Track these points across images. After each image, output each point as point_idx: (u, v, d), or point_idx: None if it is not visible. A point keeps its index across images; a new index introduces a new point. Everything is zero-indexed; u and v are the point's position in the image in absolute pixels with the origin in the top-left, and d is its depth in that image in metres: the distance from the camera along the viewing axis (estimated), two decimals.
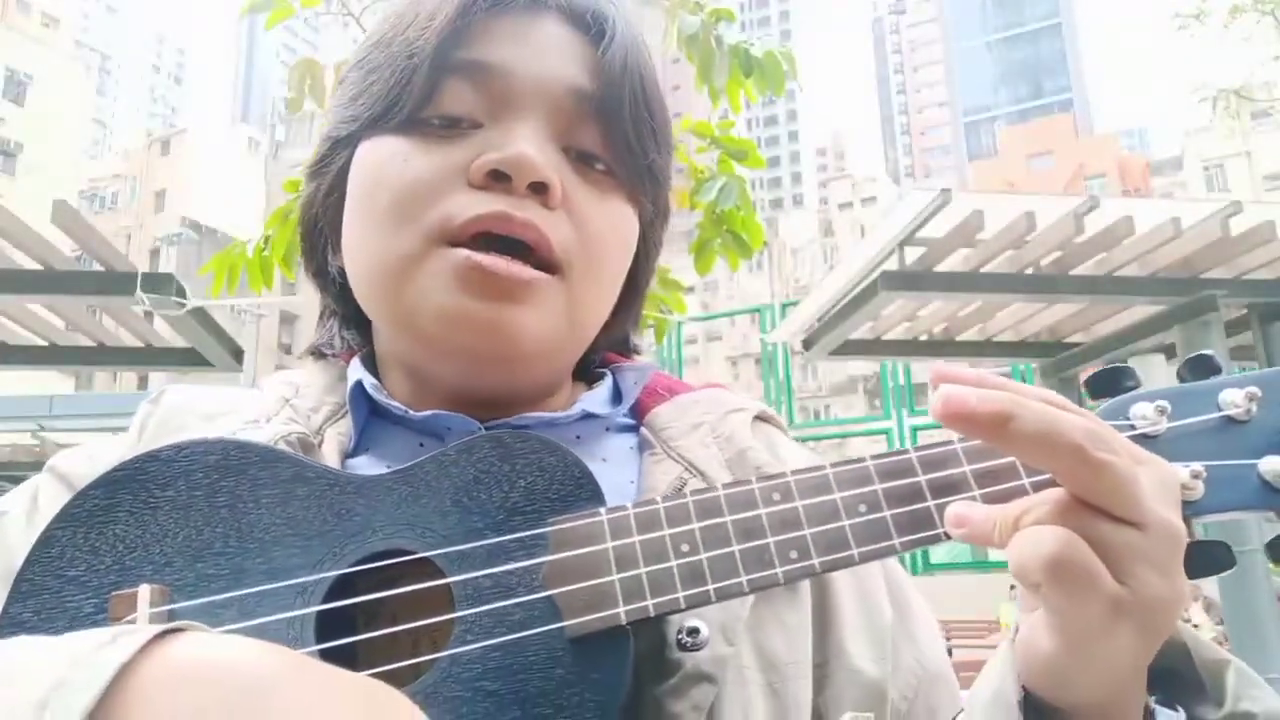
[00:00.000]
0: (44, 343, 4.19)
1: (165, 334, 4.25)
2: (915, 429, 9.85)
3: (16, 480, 0.59)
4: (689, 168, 2.97)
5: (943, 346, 4.96)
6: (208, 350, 4.07)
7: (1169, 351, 4.36)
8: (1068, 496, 0.40)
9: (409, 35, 0.56)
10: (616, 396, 0.64)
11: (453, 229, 0.53)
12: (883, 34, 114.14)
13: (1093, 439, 0.39)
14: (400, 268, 0.54)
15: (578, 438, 0.60)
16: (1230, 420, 0.46)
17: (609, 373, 0.66)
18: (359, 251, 0.57)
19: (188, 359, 4.21)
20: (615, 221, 0.59)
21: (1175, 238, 3.68)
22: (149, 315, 3.86)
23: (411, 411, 0.56)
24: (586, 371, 0.68)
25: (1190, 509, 0.44)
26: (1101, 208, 3.71)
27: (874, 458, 0.46)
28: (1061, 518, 0.40)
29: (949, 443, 0.46)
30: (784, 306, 8.95)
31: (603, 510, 0.45)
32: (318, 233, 0.63)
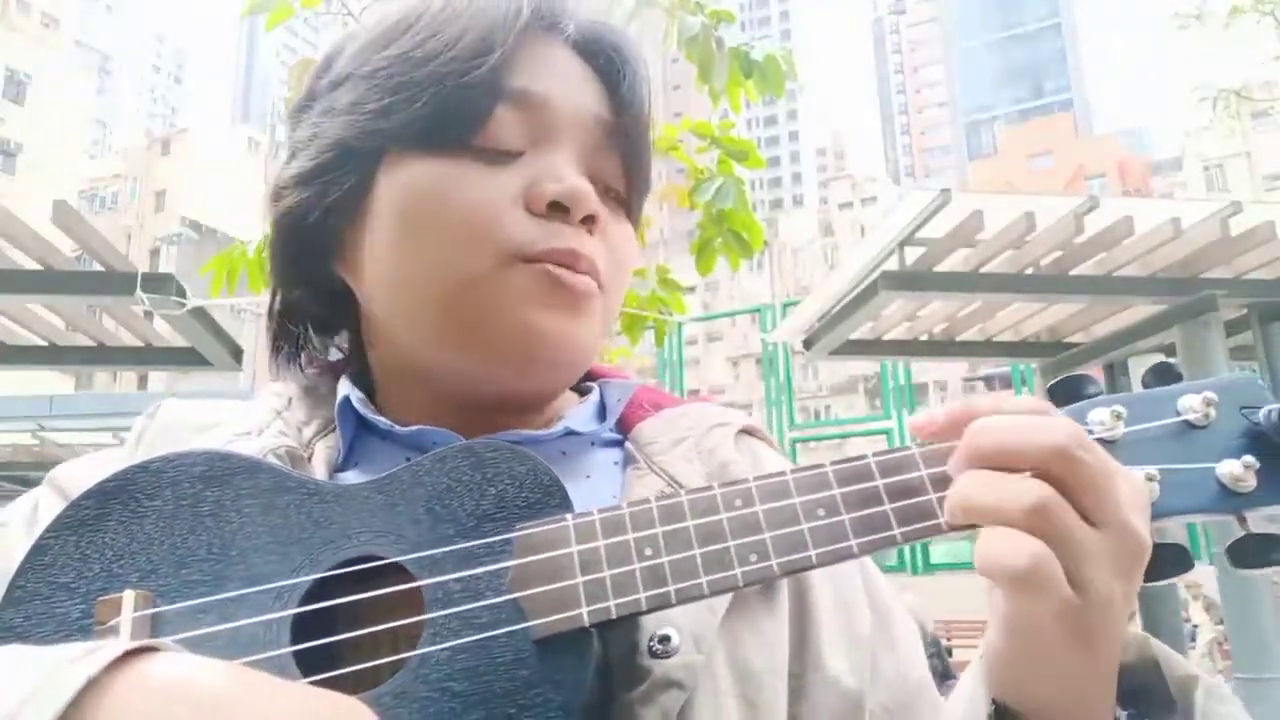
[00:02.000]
0: (44, 343, 4.19)
1: (165, 334, 4.25)
2: None
3: (17, 480, 0.60)
4: (689, 168, 2.97)
5: (943, 346, 4.96)
6: (208, 350, 4.07)
7: (1169, 351, 4.36)
8: (1043, 491, 0.41)
9: (446, 55, 0.56)
10: (602, 411, 0.65)
11: (527, 252, 0.55)
12: (883, 34, 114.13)
13: (1075, 438, 0.41)
14: (471, 285, 0.55)
15: (563, 453, 0.61)
16: (1189, 425, 0.47)
17: (597, 387, 0.67)
18: (413, 270, 0.57)
19: (188, 359, 4.21)
20: (630, 242, 0.63)
21: (1175, 238, 3.68)
22: (149, 315, 3.86)
23: (397, 427, 0.58)
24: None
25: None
26: (1101, 208, 3.71)
27: (833, 463, 0.47)
28: (1034, 516, 0.41)
29: (907, 449, 0.47)
30: (784, 306, 8.95)
31: (569, 516, 0.46)
32: (313, 242, 0.61)
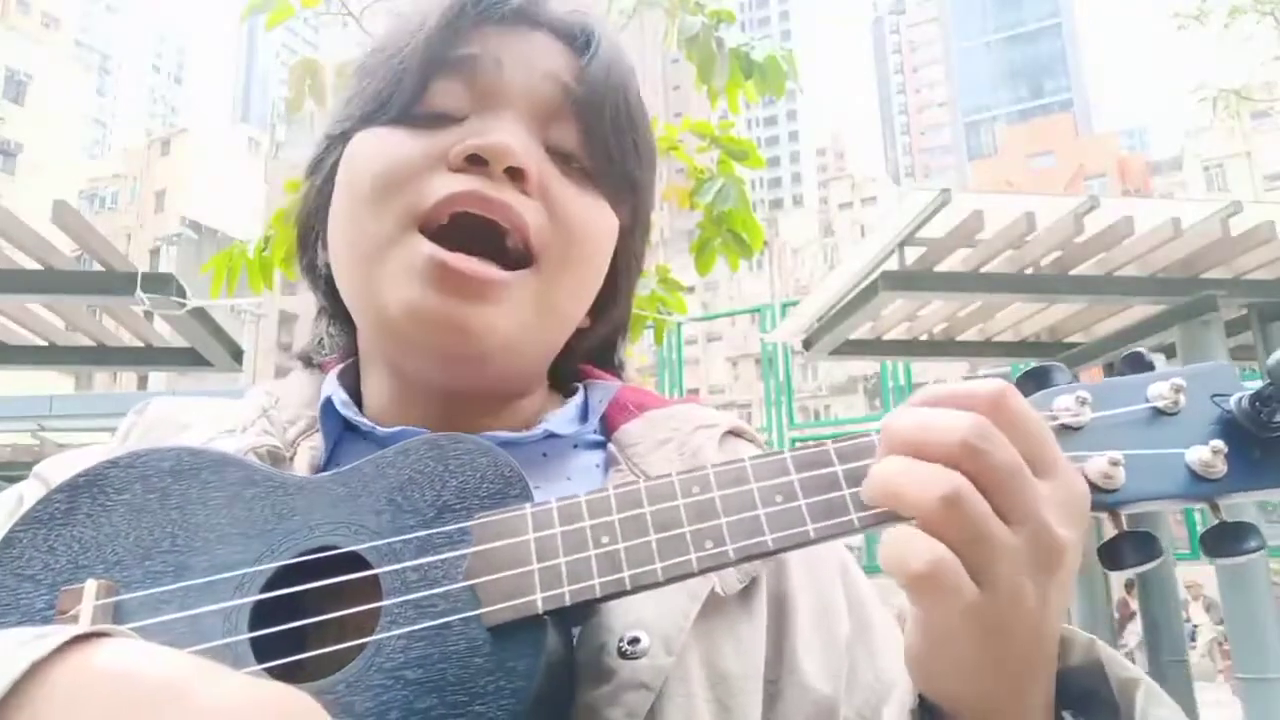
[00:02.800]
0: (44, 343, 4.18)
1: (165, 334, 4.24)
2: None
3: (17, 480, 0.61)
4: (689, 168, 2.97)
5: (943, 346, 4.96)
6: (208, 350, 4.07)
7: (1169, 351, 4.36)
8: (956, 482, 0.41)
9: (401, 39, 0.59)
10: (585, 413, 0.64)
11: (426, 209, 0.54)
12: (883, 34, 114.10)
13: (978, 431, 0.41)
14: (372, 251, 0.55)
15: (544, 455, 0.60)
16: (1158, 412, 0.46)
17: (582, 388, 0.66)
18: (338, 238, 0.59)
19: (188, 359, 4.21)
20: (592, 215, 0.59)
21: (1175, 238, 3.68)
22: (149, 315, 3.86)
23: (378, 428, 0.58)
24: (565, 379, 0.68)
25: (1113, 498, 0.45)
26: (1101, 208, 3.71)
27: (792, 450, 0.47)
28: (947, 499, 0.40)
29: (866, 435, 0.47)
30: (784, 306, 8.94)
31: (528, 505, 0.46)
32: (311, 229, 0.65)
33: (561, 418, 0.61)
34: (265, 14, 2.54)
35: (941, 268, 4.00)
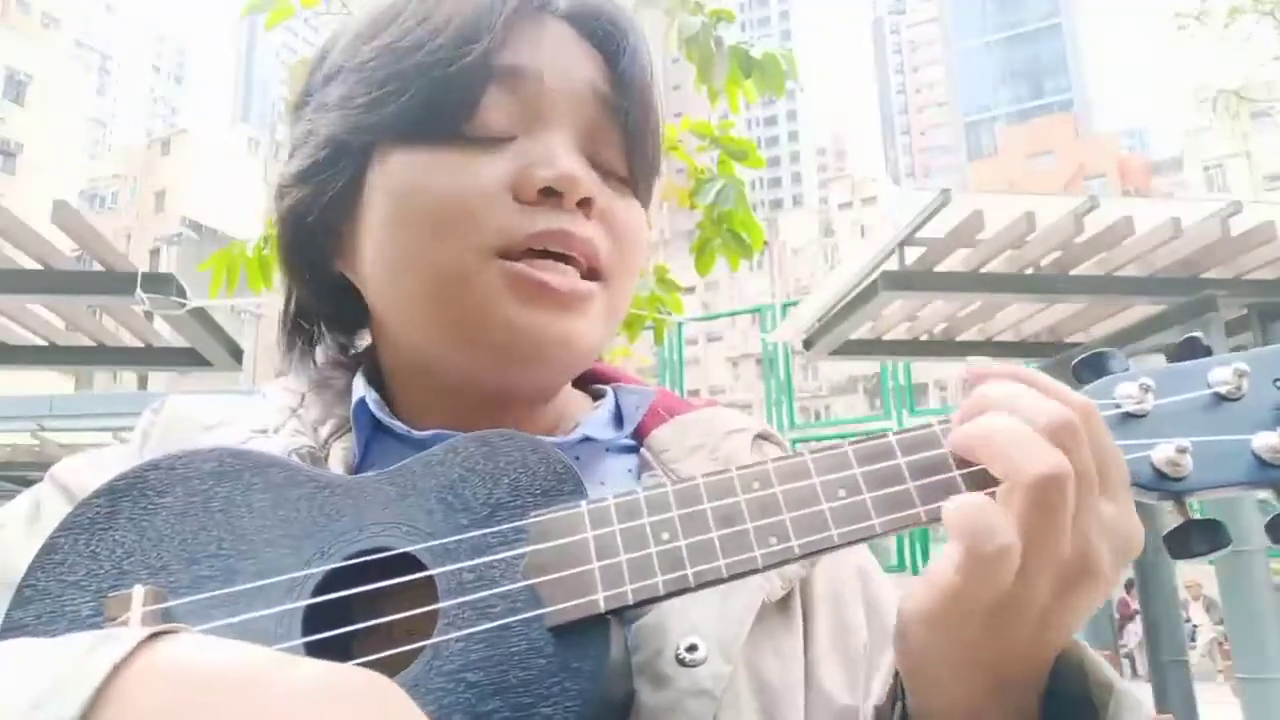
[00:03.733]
0: (44, 343, 4.19)
1: (165, 334, 4.25)
2: None
3: (17, 480, 0.60)
4: (689, 168, 2.97)
5: (943, 346, 4.96)
6: (208, 350, 4.07)
7: (1169, 351, 4.35)
8: (1068, 468, 0.41)
9: (432, 43, 0.55)
10: (617, 417, 0.64)
11: (511, 244, 0.53)
12: (883, 34, 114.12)
13: (1072, 430, 0.41)
14: (456, 281, 0.54)
15: (577, 459, 0.59)
16: (1220, 397, 0.46)
17: (610, 391, 0.66)
18: (401, 265, 0.56)
19: (188, 359, 4.21)
20: (639, 225, 0.60)
21: (1175, 238, 3.68)
22: (149, 315, 3.86)
23: (414, 432, 0.57)
24: (584, 376, 0.68)
25: (1180, 485, 0.44)
26: (1101, 208, 3.71)
27: (853, 442, 0.46)
28: (1044, 486, 0.40)
29: (928, 425, 0.46)
30: (784, 306, 8.94)
31: (584, 502, 0.45)
32: (314, 240, 0.61)
33: (596, 422, 0.61)
34: (265, 14, 2.54)
35: (941, 268, 4.01)
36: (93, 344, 4.23)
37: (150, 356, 4.36)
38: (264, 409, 0.60)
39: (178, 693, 0.31)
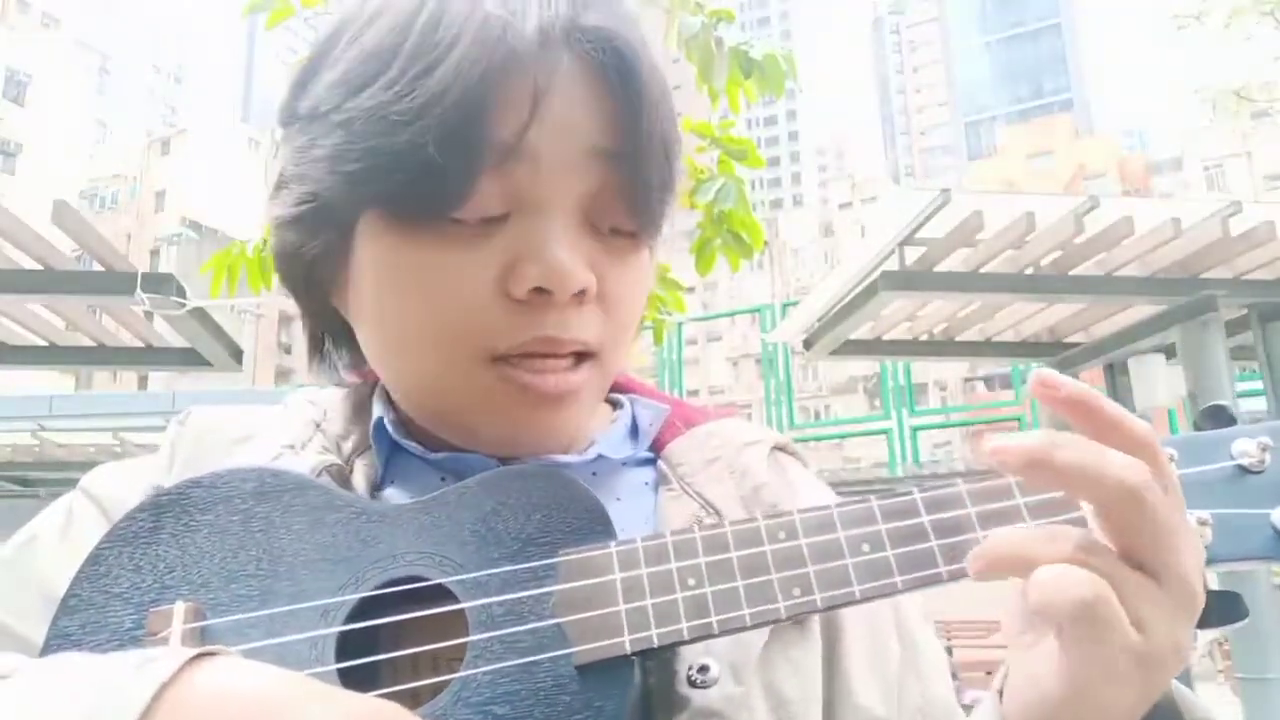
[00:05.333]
0: (44, 343, 4.19)
1: (165, 334, 4.25)
2: (915, 429, 9.84)
3: (16, 480, 0.60)
4: (689, 168, 2.97)
5: (943, 346, 4.96)
6: (208, 350, 4.07)
7: (1169, 351, 4.36)
8: (1100, 543, 0.41)
9: (426, 119, 0.49)
10: (633, 430, 0.64)
11: (500, 351, 0.52)
12: (883, 34, 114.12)
13: (1146, 481, 0.39)
14: (447, 385, 0.54)
15: (594, 474, 0.60)
16: (1243, 470, 0.46)
17: (627, 403, 0.66)
18: (393, 348, 0.56)
19: (188, 359, 4.21)
20: (642, 283, 0.58)
21: (1175, 238, 3.68)
22: (149, 315, 3.86)
23: (430, 454, 0.57)
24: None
25: None
26: (1101, 208, 3.71)
27: (879, 498, 0.47)
28: (1091, 558, 0.40)
29: (954, 483, 0.47)
30: (784, 306, 8.95)
31: (612, 543, 0.47)
32: (311, 275, 0.59)
33: (612, 439, 0.62)
34: (265, 14, 2.54)
35: (941, 268, 4.01)
36: (93, 344, 4.23)
37: (150, 356, 4.36)
38: (289, 422, 0.60)
39: (220, 717, 0.32)
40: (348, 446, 0.59)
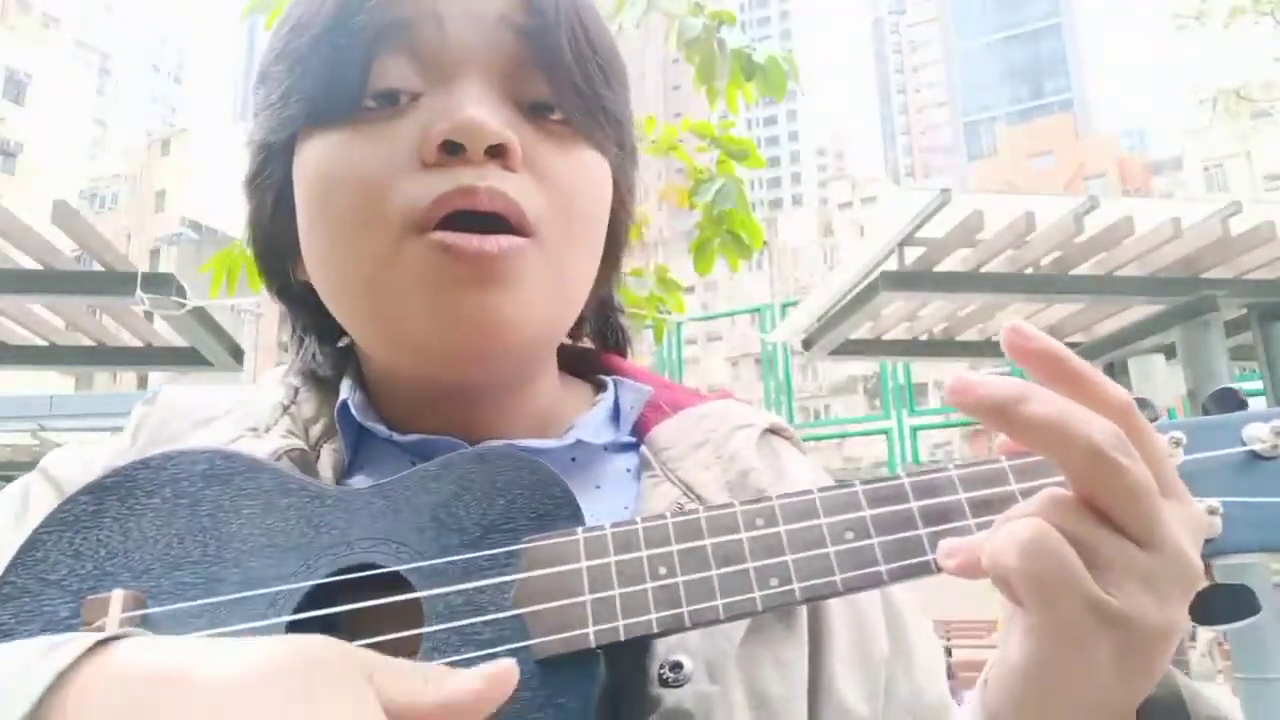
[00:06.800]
0: (44, 343, 4.19)
1: (165, 334, 4.24)
2: (915, 429, 9.84)
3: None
4: (689, 168, 2.97)
5: (943, 346, 4.95)
6: (208, 350, 4.07)
7: (1169, 351, 4.36)
8: (1069, 498, 0.38)
9: (326, 14, 0.51)
10: (616, 414, 0.60)
11: (418, 217, 0.49)
12: (883, 34, 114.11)
13: (1114, 440, 0.37)
14: (372, 273, 0.50)
15: (573, 460, 0.57)
16: (1255, 456, 0.43)
17: (611, 384, 0.62)
18: (326, 266, 0.53)
19: (188, 359, 4.20)
20: (585, 173, 0.54)
21: (1175, 238, 3.68)
22: (149, 315, 3.86)
23: (396, 435, 0.54)
24: (582, 362, 0.65)
25: (1209, 548, 0.42)
26: (1101, 208, 3.70)
27: (864, 483, 0.44)
28: (1053, 513, 0.38)
29: (944, 468, 0.44)
30: (784, 306, 8.94)
31: (579, 530, 0.44)
32: (274, 250, 0.59)
33: (592, 423, 0.58)
34: (265, 14, 2.54)
35: (941, 268, 4.00)
36: (93, 344, 4.23)
37: (150, 356, 4.36)
38: (257, 405, 0.57)
39: (119, 697, 0.31)
40: (316, 431, 0.56)
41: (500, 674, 0.35)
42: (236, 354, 4.22)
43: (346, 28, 0.50)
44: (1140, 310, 4.22)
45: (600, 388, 0.63)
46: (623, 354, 0.69)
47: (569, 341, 0.66)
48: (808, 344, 4.80)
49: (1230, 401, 0.45)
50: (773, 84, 2.64)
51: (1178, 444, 0.44)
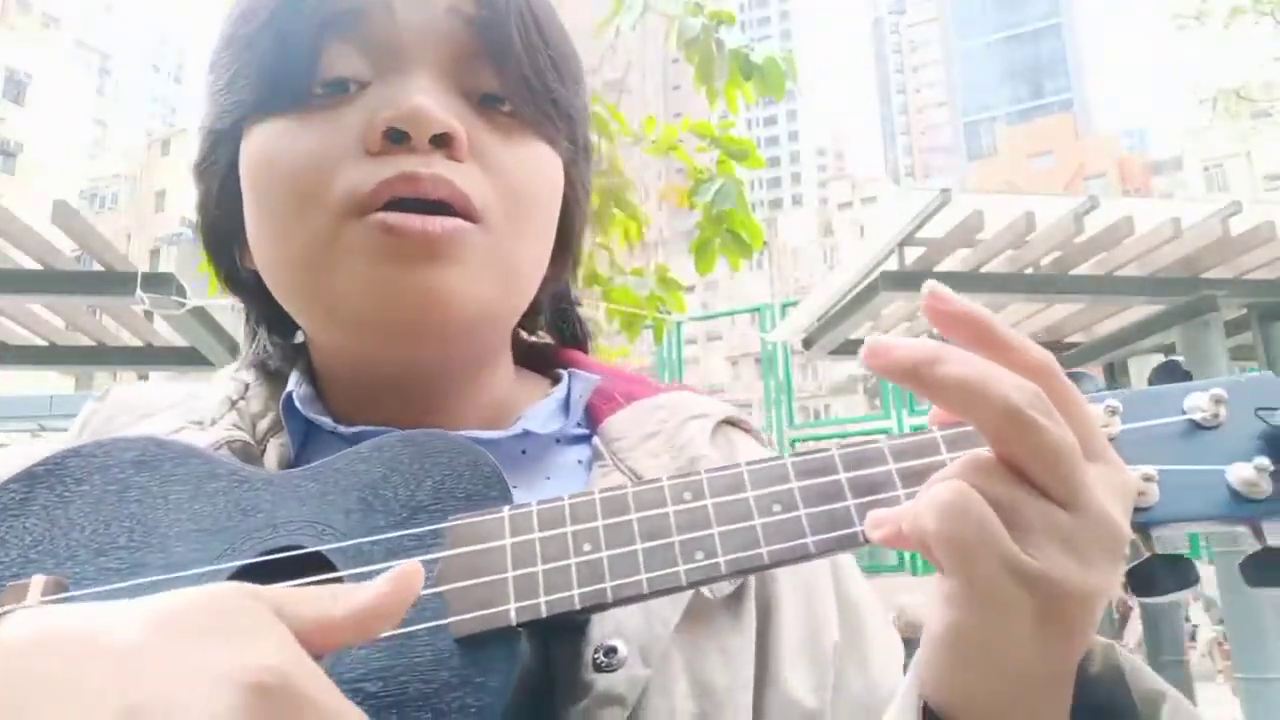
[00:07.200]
0: (44, 343, 4.19)
1: (165, 334, 4.24)
2: (915, 428, 9.80)
3: None
4: (689, 168, 2.97)
5: None
6: (208, 350, 4.07)
7: (1169, 351, 4.36)
8: (989, 459, 0.37)
9: (270, 3, 0.51)
10: (566, 405, 0.60)
11: (360, 201, 0.49)
12: (883, 34, 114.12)
13: (1032, 400, 0.36)
14: (313, 252, 0.50)
15: (523, 452, 0.56)
16: (1195, 425, 0.42)
17: (566, 377, 0.61)
18: (267, 247, 0.53)
19: (188, 358, 4.20)
20: (534, 165, 0.54)
21: (1175, 238, 3.68)
22: (149, 315, 3.86)
23: (340, 427, 0.54)
24: (538, 357, 0.65)
25: (1145, 517, 0.41)
26: (1101, 208, 3.70)
27: (794, 455, 0.43)
28: (973, 475, 0.37)
29: (875, 440, 0.43)
30: (784, 306, 8.94)
31: (506, 508, 0.43)
32: (220, 237, 0.59)
33: (540, 414, 0.57)
34: None
35: (941, 268, 4.00)
36: (93, 344, 4.23)
37: (150, 356, 4.36)
38: (206, 399, 0.57)
39: (11, 663, 0.30)
40: (263, 425, 0.56)
41: (406, 572, 0.35)
42: (236, 353, 4.20)
43: (295, 15, 0.50)
44: (1140, 310, 4.22)
45: (557, 381, 0.62)
46: (583, 348, 0.68)
47: (527, 337, 0.66)
48: (808, 344, 4.80)
49: (1175, 374, 0.45)
50: (771, 84, 2.64)
51: (1114, 412, 0.43)
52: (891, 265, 4.05)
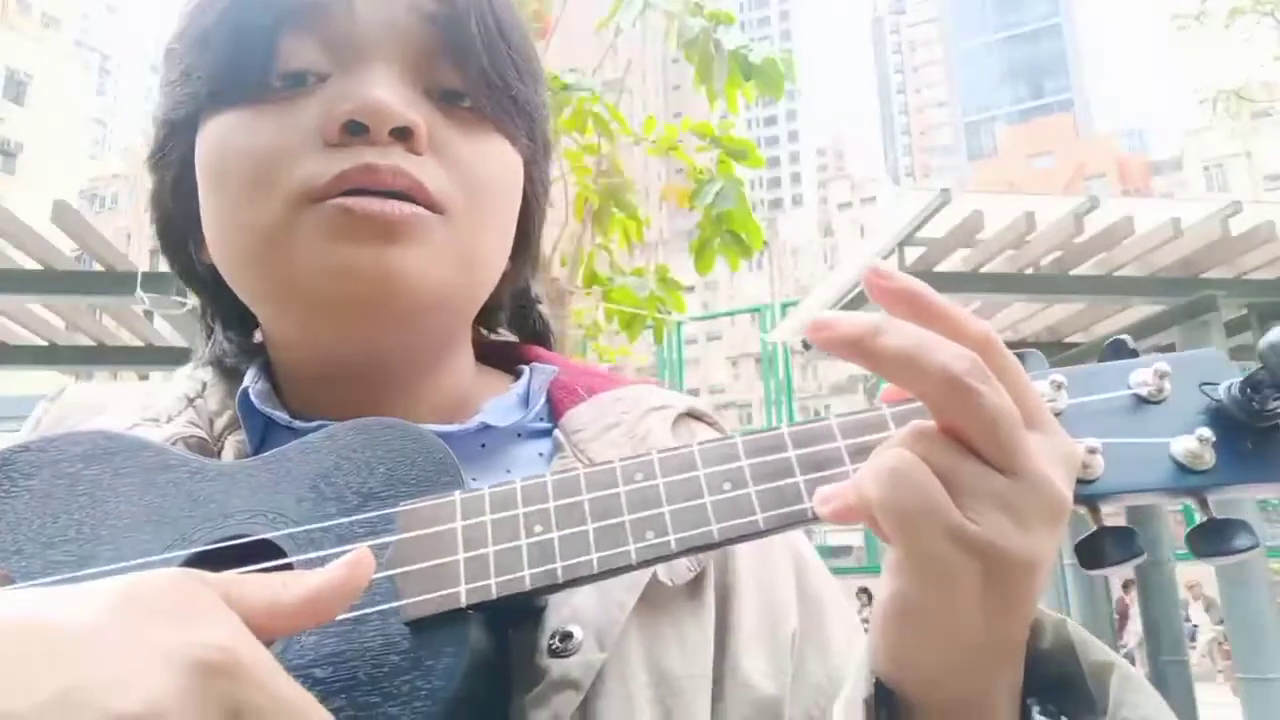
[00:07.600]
0: (44, 343, 4.19)
1: (165, 334, 4.24)
2: None
3: None
4: (689, 168, 2.97)
5: None
6: None
7: (1168, 351, 4.35)
8: (930, 427, 0.38)
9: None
10: (527, 399, 0.60)
11: (318, 190, 0.48)
12: (883, 34, 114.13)
13: (970, 368, 0.37)
14: (267, 240, 0.50)
15: (483, 446, 0.56)
16: (1141, 399, 0.43)
17: (528, 371, 0.61)
18: (223, 236, 0.53)
19: (188, 358, 4.16)
20: (493, 160, 0.54)
21: (1175, 238, 3.68)
22: (149, 315, 3.86)
23: (296, 422, 0.54)
24: (499, 354, 0.65)
25: (1090, 489, 0.41)
26: (1101, 208, 3.70)
27: (744, 435, 0.44)
28: (915, 443, 0.37)
29: (824, 419, 0.44)
30: (784, 306, 8.95)
31: (458, 492, 0.43)
32: (175, 229, 0.59)
33: (499, 407, 0.57)
34: None
35: (941, 268, 4.00)
36: (93, 344, 4.23)
37: (150, 356, 4.36)
38: (163, 398, 0.57)
39: None
40: (221, 423, 0.56)
41: (358, 558, 0.36)
42: None
43: (252, 7, 0.50)
44: (1140, 310, 4.22)
45: (520, 378, 0.62)
46: (545, 344, 0.68)
47: (488, 335, 0.66)
48: (808, 344, 4.79)
49: (1123, 352, 0.45)
50: (770, 84, 2.64)
51: (1059, 387, 0.44)
52: (891, 265, 4.05)
